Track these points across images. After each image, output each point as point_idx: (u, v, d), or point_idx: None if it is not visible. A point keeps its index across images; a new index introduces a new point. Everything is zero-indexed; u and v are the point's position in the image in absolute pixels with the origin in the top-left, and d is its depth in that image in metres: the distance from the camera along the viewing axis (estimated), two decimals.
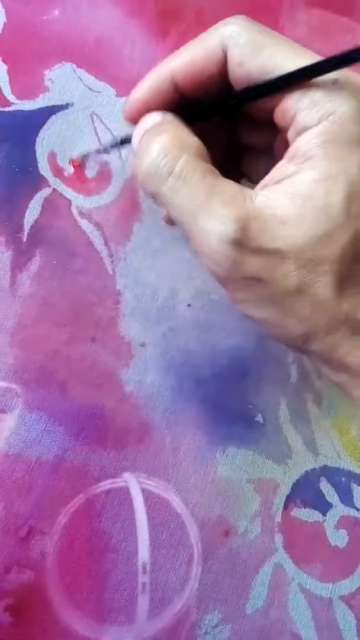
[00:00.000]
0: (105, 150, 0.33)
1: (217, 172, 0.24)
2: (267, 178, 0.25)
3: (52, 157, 0.35)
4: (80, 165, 0.35)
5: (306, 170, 0.23)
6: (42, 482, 0.31)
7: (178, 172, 0.23)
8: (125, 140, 0.29)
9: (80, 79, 0.36)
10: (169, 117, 0.26)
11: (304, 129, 0.23)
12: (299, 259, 0.22)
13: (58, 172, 0.35)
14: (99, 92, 0.36)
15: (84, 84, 0.36)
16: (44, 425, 0.32)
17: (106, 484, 0.32)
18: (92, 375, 0.33)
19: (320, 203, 0.22)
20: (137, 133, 0.26)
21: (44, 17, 0.37)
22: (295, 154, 0.23)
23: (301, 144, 0.23)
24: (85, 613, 0.30)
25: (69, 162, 0.35)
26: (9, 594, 0.30)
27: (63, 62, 0.36)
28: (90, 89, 0.36)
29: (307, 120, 0.23)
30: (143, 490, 0.32)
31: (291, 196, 0.23)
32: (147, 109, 0.27)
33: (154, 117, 0.26)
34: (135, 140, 0.26)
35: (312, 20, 0.40)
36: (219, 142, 0.29)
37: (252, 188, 0.25)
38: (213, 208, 0.23)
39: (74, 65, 0.37)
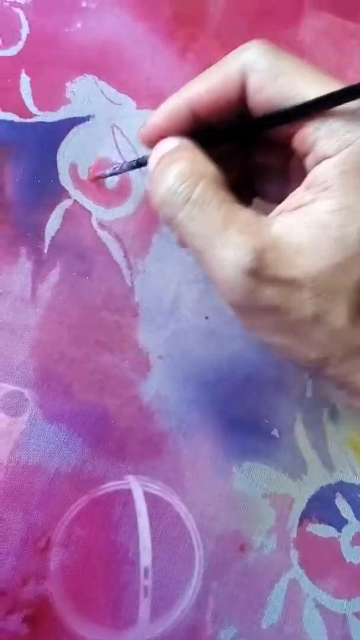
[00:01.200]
0: (121, 171, 0.33)
1: (233, 199, 0.24)
2: (284, 204, 0.25)
3: (73, 168, 0.35)
4: (96, 179, 0.35)
5: (323, 200, 0.23)
6: (60, 494, 0.31)
7: (195, 199, 0.23)
8: (142, 163, 0.29)
9: (102, 92, 0.37)
10: (186, 143, 0.26)
11: (323, 158, 0.23)
12: (314, 288, 0.23)
13: (79, 183, 0.35)
14: (120, 104, 0.37)
15: (105, 96, 0.37)
16: (64, 437, 0.32)
17: (111, 488, 0.32)
18: (109, 387, 0.33)
19: (336, 233, 0.22)
20: (154, 158, 0.26)
21: (66, 30, 0.37)
22: (313, 182, 0.24)
23: (319, 173, 0.23)
24: (100, 624, 0.30)
25: (89, 170, 0.35)
26: (26, 605, 0.30)
27: (85, 74, 0.37)
28: (111, 101, 0.37)
29: (326, 149, 0.23)
30: (146, 494, 0.32)
31: (307, 225, 0.23)
32: (164, 134, 0.27)
33: (171, 143, 0.26)
34: (151, 165, 0.26)
35: (321, 25, 0.40)
36: (233, 162, 0.29)
37: (265, 207, 0.25)
38: (229, 236, 0.23)
39: (96, 78, 0.37)
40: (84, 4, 0.38)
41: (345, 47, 0.39)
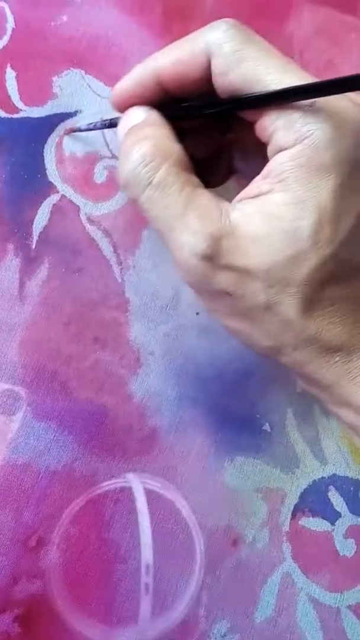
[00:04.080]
0: (95, 129, 0.33)
1: (196, 182, 0.24)
2: (246, 191, 0.25)
3: (61, 163, 0.35)
4: (70, 131, 0.35)
5: (278, 192, 0.23)
6: (50, 492, 0.31)
7: (156, 182, 0.24)
8: (113, 124, 0.29)
9: (89, 86, 0.36)
10: (153, 116, 0.26)
11: (280, 149, 0.23)
12: (267, 278, 0.23)
13: (67, 178, 0.35)
14: (108, 98, 0.36)
15: (93, 91, 0.36)
16: (53, 435, 0.32)
17: (110, 486, 0.32)
18: (100, 383, 0.33)
19: (289, 226, 0.23)
20: (122, 126, 0.26)
21: (52, 23, 0.37)
22: (270, 172, 0.24)
23: (276, 164, 0.23)
24: (95, 622, 0.30)
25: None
26: (17, 604, 0.30)
27: (71, 68, 0.36)
28: (98, 95, 0.36)
29: (283, 141, 0.23)
30: (146, 491, 0.32)
31: (263, 216, 0.23)
32: (132, 100, 0.27)
33: (139, 114, 0.26)
34: (120, 134, 0.26)
35: (318, 19, 0.40)
36: (210, 137, 0.29)
37: (244, 183, 0.25)
38: (188, 221, 0.23)
39: (82, 72, 0.36)
40: None
41: (344, 41, 0.39)
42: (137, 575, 0.31)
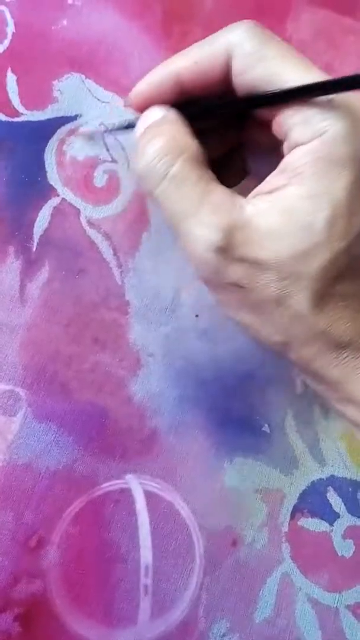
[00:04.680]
0: (113, 129, 0.33)
1: (211, 176, 0.25)
2: (260, 187, 0.25)
3: (61, 166, 0.35)
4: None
5: (294, 186, 0.23)
6: (51, 493, 0.31)
7: (171, 176, 0.24)
8: (131, 125, 0.29)
9: (89, 90, 0.37)
10: (171, 115, 0.26)
11: (297, 144, 0.24)
12: (279, 271, 0.23)
13: (67, 181, 0.35)
14: (108, 102, 0.37)
15: (93, 95, 0.37)
16: (53, 436, 0.32)
17: (110, 487, 0.32)
18: (100, 384, 0.33)
19: (304, 220, 0.23)
20: (140, 126, 0.27)
21: (53, 27, 0.37)
22: (286, 167, 0.24)
23: (292, 159, 0.24)
24: (94, 622, 0.31)
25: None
26: (18, 603, 0.30)
27: (71, 72, 0.37)
28: (98, 99, 0.37)
29: (300, 137, 0.23)
30: (146, 493, 0.32)
31: (278, 210, 0.23)
32: (152, 100, 0.27)
33: (157, 113, 0.26)
34: (137, 132, 0.27)
35: (317, 21, 0.40)
36: (225, 137, 0.29)
37: (254, 184, 0.26)
38: (202, 214, 0.24)
39: (83, 76, 0.37)
40: (69, 1, 0.38)
41: (342, 44, 0.39)
42: (136, 576, 0.31)
